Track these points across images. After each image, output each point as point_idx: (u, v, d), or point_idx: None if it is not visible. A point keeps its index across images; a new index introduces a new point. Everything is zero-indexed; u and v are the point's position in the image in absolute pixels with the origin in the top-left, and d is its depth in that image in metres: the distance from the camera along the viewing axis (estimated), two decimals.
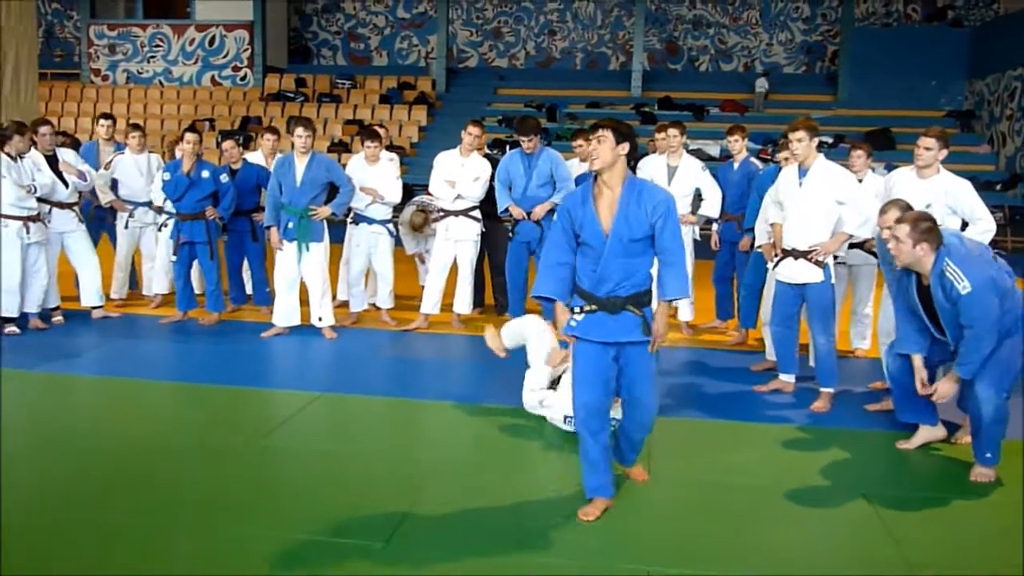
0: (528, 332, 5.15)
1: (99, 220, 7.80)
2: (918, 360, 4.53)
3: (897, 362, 4.65)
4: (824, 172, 5.27)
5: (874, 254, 5.89)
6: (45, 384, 5.62)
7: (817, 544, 3.61)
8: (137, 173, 7.62)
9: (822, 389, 5.40)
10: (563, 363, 4.82)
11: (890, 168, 6.22)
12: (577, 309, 3.69)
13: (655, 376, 3.80)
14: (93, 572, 3.19)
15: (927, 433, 4.68)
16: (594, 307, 3.65)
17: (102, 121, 8.01)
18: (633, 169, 7.43)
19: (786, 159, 6.01)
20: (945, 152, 5.30)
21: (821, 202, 5.26)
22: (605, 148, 3.62)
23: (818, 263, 5.28)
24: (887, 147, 17.14)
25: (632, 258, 3.62)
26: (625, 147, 3.63)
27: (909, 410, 4.68)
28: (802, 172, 5.32)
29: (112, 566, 3.24)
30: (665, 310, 3.69)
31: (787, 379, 5.62)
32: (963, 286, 4.12)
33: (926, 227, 4.23)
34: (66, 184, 6.88)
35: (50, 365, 5.91)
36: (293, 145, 6.60)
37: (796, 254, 5.34)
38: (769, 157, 12.30)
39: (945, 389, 4.37)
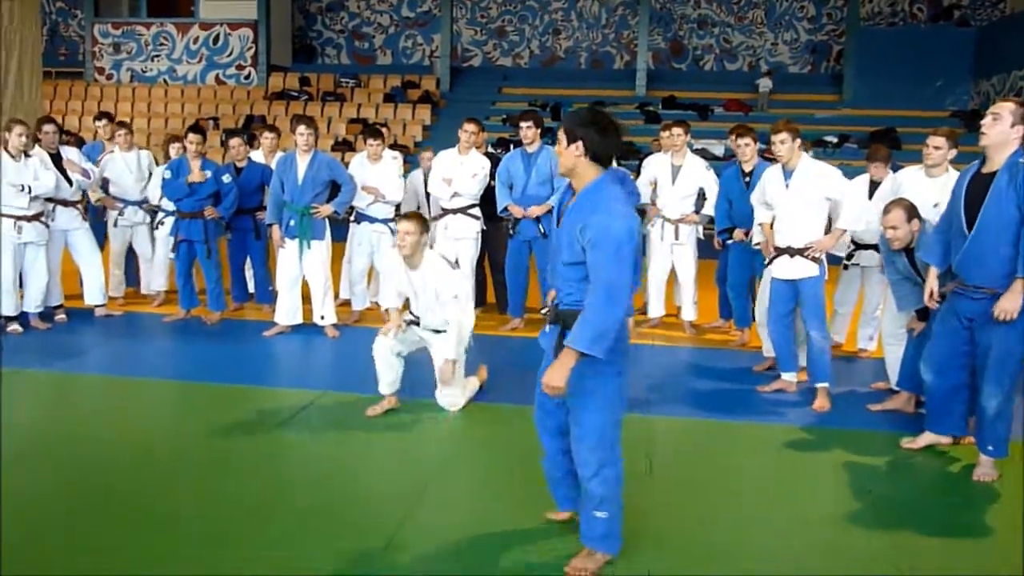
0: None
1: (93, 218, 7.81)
2: (935, 271, 4.52)
3: (932, 374, 4.58)
4: (810, 171, 5.29)
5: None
6: (48, 383, 5.62)
7: (820, 546, 3.59)
8: (127, 171, 7.61)
9: (818, 386, 5.39)
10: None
11: (895, 168, 6.19)
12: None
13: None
14: (96, 571, 3.18)
15: (933, 437, 4.65)
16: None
17: (98, 121, 8.03)
18: (638, 169, 7.50)
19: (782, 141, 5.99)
20: (955, 152, 5.31)
21: (810, 201, 5.28)
22: (560, 151, 3.10)
23: (814, 259, 5.28)
24: (892, 147, 17.04)
25: (571, 272, 3.11)
26: (578, 146, 3.01)
27: (943, 422, 4.61)
28: (787, 173, 5.33)
29: (116, 564, 3.23)
30: (568, 358, 2.99)
31: (789, 378, 5.60)
32: None
33: None
34: (70, 182, 6.88)
35: (53, 364, 5.91)
36: (296, 143, 6.59)
37: (792, 251, 5.33)
38: (772, 157, 12.30)
39: (1011, 304, 4.05)
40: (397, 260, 5.04)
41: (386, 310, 5.23)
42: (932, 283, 4.54)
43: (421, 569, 3.31)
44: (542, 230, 6.76)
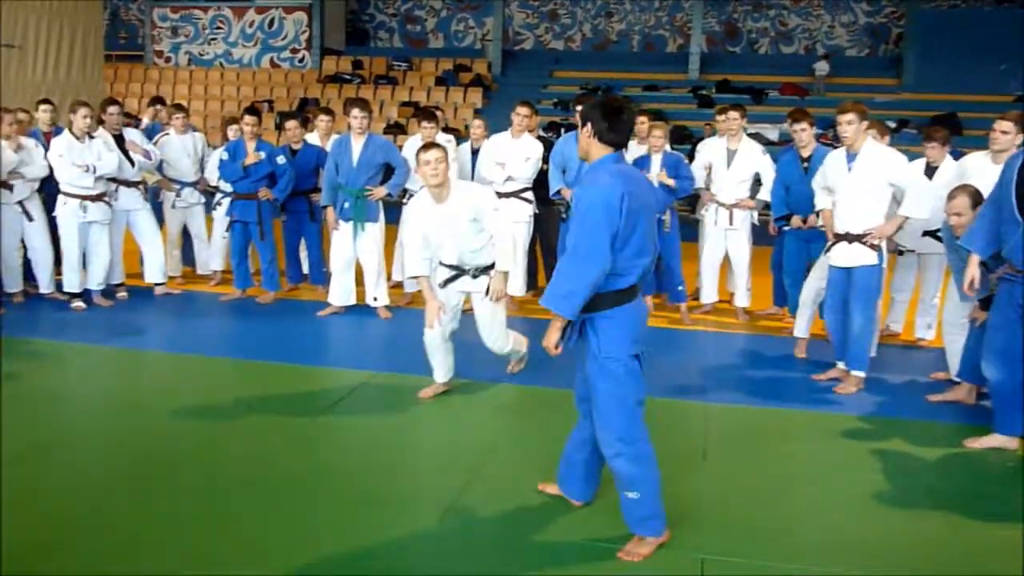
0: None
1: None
2: (976, 258, 4.48)
3: (994, 368, 4.46)
4: (874, 155, 5.16)
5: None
6: (111, 358, 5.76)
7: (874, 533, 3.54)
8: (183, 154, 7.75)
9: (852, 373, 5.31)
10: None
11: (956, 154, 6.04)
12: None
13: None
14: (157, 536, 3.27)
15: (1002, 439, 4.49)
16: None
17: (154, 106, 8.20)
18: (691, 153, 7.42)
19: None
20: (1022, 136, 5.15)
21: (872, 186, 5.15)
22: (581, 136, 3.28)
23: (873, 246, 5.17)
24: (954, 132, 16.62)
25: None
26: (588, 129, 3.19)
27: (1013, 421, 4.47)
28: (851, 156, 5.20)
29: (176, 532, 3.32)
30: (554, 319, 3.16)
31: (844, 367, 5.52)
32: None
33: None
34: (132, 163, 7.02)
35: (115, 340, 6.05)
36: (349, 126, 6.64)
37: (850, 238, 5.23)
38: (830, 142, 12.07)
39: None
40: (417, 208, 4.83)
41: (417, 282, 4.96)
42: (973, 271, 4.42)
43: (474, 544, 3.34)
44: None
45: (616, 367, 3.20)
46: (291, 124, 7.51)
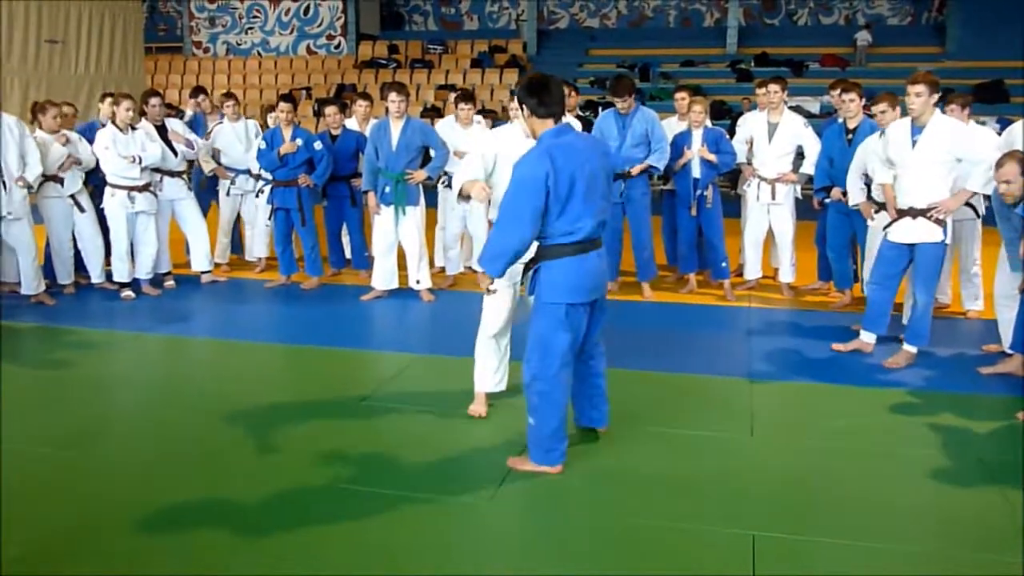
0: None
1: (210, 189, 8.07)
2: None
3: None
4: (942, 129, 5.02)
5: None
6: (160, 345, 5.87)
7: (931, 512, 3.50)
8: (236, 141, 7.83)
9: (906, 346, 5.24)
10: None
11: (1003, 123, 5.89)
12: None
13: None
14: (209, 518, 3.34)
15: None
16: None
17: (195, 97, 8.29)
18: (732, 130, 7.33)
19: (883, 111, 5.76)
20: None
21: (939, 160, 5.02)
22: None
23: (938, 221, 5.07)
24: (1000, 100, 16.29)
25: None
26: (524, 110, 3.65)
27: None
28: (916, 129, 5.08)
29: (229, 514, 3.38)
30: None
31: (868, 339, 5.46)
32: None
33: None
34: (175, 153, 7.12)
35: (164, 328, 6.16)
36: (387, 111, 6.66)
37: (914, 212, 5.12)
38: (872, 114, 11.86)
39: None
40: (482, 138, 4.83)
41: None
42: None
43: (526, 522, 3.38)
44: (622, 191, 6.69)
45: (549, 311, 3.63)
46: (330, 110, 7.54)
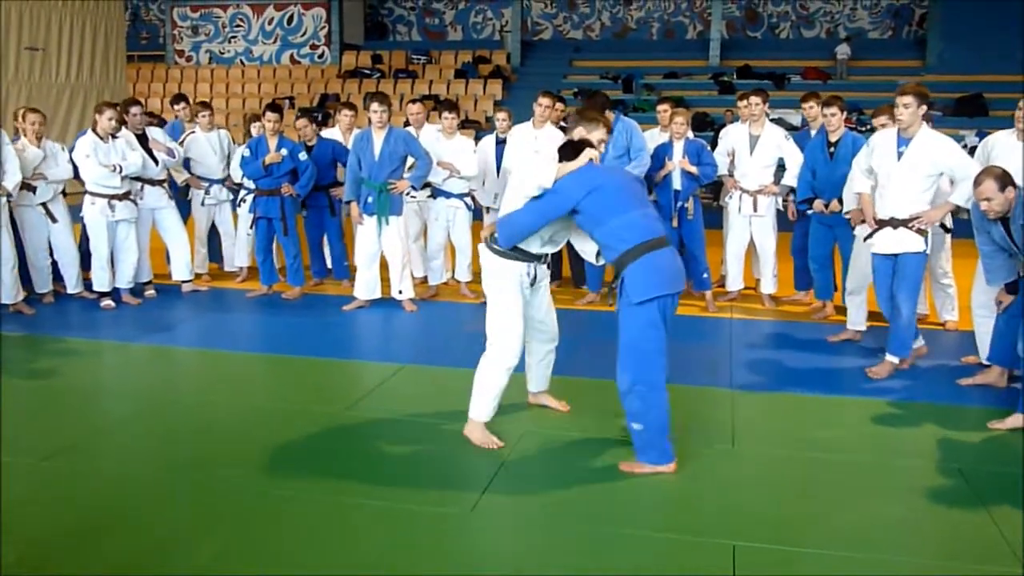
0: None
1: (183, 199, 8.02)
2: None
3: None
4: (929, 142, 5.05)
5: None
6: (143, 355, 5.82)
7: (912, 522, 3.52)
8: (210, 151, 7.81)
9: (889, 357, 5.27)
10: None
11: (982, 135, 5.96)
12: None
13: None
14: (191, 531, 3.31)
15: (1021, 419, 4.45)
16: None
17: (176, 104, 8.26)
18: (714, 141, 7.36)
19: (883, 125, 5.79)
20: None
21: (923, 173, 5.06)
22: None
23: (920, 231, 5.11)
24: (980, 113, 16.47)
25: None
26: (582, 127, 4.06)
27: None
28: (902, 141, 5.11)
29: (213, 524, 3.36)
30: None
31: (892, 358, 5.41)
32: None
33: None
34: (156, 161, 7.08)
35: (145, 337, 6.12)
36: (370, 121, 6.66)
37: (895, 223, 5.16)
38: (854, 126, 11.95)
39: None
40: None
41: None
42: (1004, 298, 4.37)
43: (504, 536, 3.37)
44: None
45: (638, 313, 3.75)
46: (301, 123, 7.51)
